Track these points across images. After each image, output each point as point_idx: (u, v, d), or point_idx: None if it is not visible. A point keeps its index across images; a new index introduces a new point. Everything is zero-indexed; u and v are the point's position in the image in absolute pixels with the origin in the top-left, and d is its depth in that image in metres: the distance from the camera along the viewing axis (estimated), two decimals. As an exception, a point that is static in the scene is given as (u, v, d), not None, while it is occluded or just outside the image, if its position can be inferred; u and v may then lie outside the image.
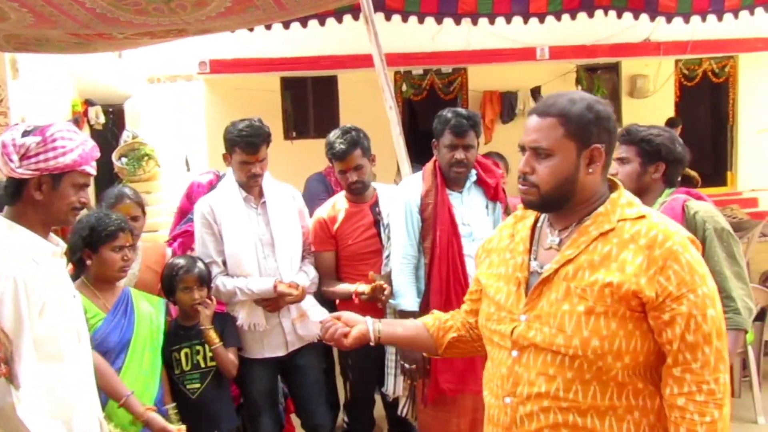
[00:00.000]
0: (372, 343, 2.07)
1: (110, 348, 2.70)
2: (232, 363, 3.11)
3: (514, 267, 1.86)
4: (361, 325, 2.06)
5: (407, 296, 3.19)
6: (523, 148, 1.81)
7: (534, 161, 1.76)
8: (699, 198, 2.83)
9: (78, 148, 2.14)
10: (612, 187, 1.82)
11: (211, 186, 3.76)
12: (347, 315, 2.12)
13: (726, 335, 1.65)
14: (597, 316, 1.68)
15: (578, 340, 1.69)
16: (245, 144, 3.18)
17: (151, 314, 2.82)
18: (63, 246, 2.28)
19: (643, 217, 1.72)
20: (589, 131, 1.73)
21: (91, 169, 2.20)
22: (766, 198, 8.99)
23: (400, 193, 3.31)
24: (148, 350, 2.75)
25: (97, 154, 2.24)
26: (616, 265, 1.68)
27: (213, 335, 3.07)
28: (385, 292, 3.16)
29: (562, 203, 1.78)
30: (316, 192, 4.27)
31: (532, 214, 1.92)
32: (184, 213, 3.83)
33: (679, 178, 2.93)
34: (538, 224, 1.90)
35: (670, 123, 8.53)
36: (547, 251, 1.83)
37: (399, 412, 3.42)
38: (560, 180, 1.74)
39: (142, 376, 2.69)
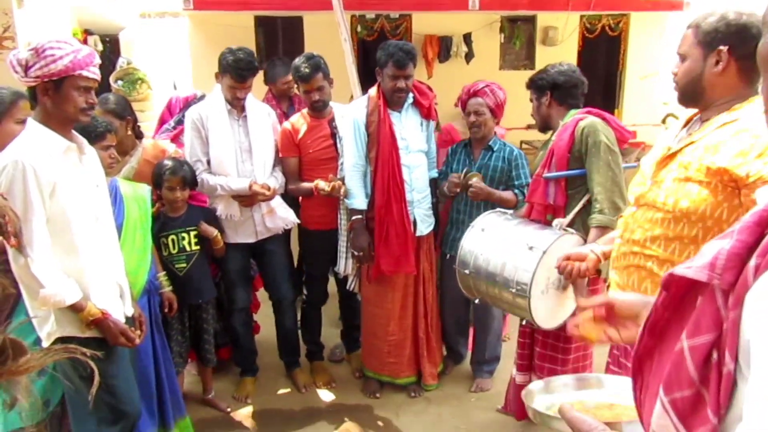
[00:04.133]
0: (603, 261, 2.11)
1: None
2: (224, 250, 3.22)
3: (662, 147, 1.88)
4: (591, 255, 2.12)
5: (358, 197, 3.22)
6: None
7: (678, 64, 1.78)
8: (599, 116, 2.68)
9: (69, 55, 2.09)
10: None
11: (187, 101, 3.67)
12: (574, 254, 2.18)
13: None
14: (693, 184, 1.70)
15: (672, 199, 1.74)
16: (236, 74, 3.09)
17: (137, 199, 2.75)
18: (83, 144, 2.27)
19: None
20: (714, 37, 1.69)
21: (89, 73, 2.15)
22: (643, 131, 9.18)
23: (349, 114, 3.25)
24: (139, 231, 2.70)
25: (95, 60, 2.18)
26: (723, 149, 1.65)
27: (220, 238, 3.18)
28: (342, 190, 3.18)
29: (695, 98, 1.77)
30: None
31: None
32: (163, 122, 3.74)
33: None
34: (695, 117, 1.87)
35: None
36: (687, 135, 1.83)
37: (347, 287, 3.49)
38: (688, 79, 1.74)
39: (136, 254, 2.65)
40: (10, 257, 2.10)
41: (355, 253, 3.23)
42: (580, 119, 2.66)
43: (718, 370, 0.72)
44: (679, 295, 0.81)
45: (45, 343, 2.17)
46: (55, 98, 2.11)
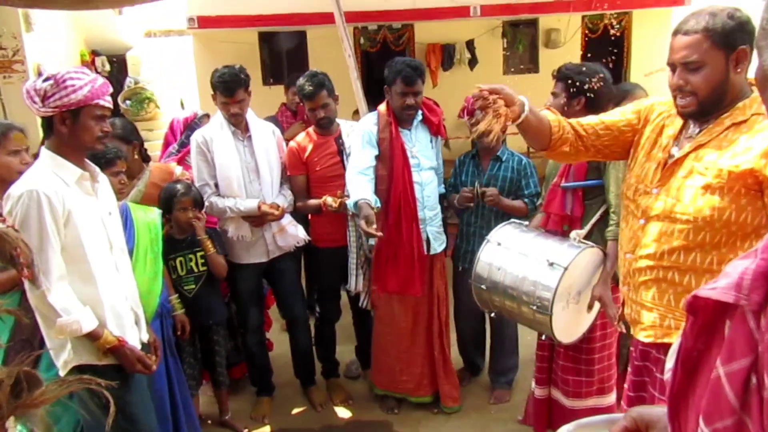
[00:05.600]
0: (517, 122, 1.81)
1: None
2: (222, 265, 3.10)
3: (659, 148, 1.80)
4: (516, 108, 1.80)
5: (364, 191, 2.90)
6: (673, 66, 1.68)
7: (687, 74, 1.65)
8: None
9: (87, 85, 2.09)
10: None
11: (187, 122, 3.68)
12: (507, 94, 1.80)
13: None
14: (713, 191, 1.63)
15: (693, 209, 1.66)
16: (223, 88, 3.09)
17: (148, 223, 2.72)
18: (96, 172, 2.27)
19: None
20: (734, 37, 1.60)
21: (105, 102, 2.15)
22: (650, 130, 9.20)
23: (360, 126, 3.20)
24: (149, 255, 2.67)
25: (109, 89, 2.18)
26: (740, 149, 1.60)
27: (209, 243, 3.05)
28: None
29: (718, 105, 1.66)
30: None
31: None
32: (168, 144, 3.77)
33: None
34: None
35: None
36: (687, 139, 1.75)
37: (360, 305, 3.43)
38: (714, 85, 1.63)
39: (147, 278, 2.62)
40: (26, 288, 2.10)
41: (364, 225, 2.80)
42: None
43: (759, 395, 0.68)
44: (708, 320, 0.77)
45: (62, 372, 2.17)
46: (73, 128, 2.11)
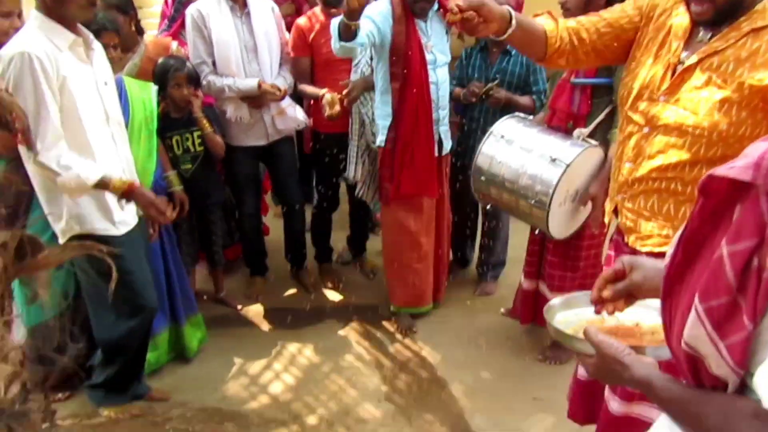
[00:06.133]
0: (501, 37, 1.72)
1: None
2: (220, 144, 3.05)
3: (667, 51, 1.68)
4: (495, 24, 1.69)
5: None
6: None
7: None
8: None
9: None
10: None
11: None
12: (487, 11, 1.64)
13: None
14: (731, 104, 1.55)
15: (707, 122, 1.59)
16: None
17: (144, 99, 2.64)
18: (90, 38, 2.17)
19: None
20: None
21: None
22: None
23: (375, 7, 2.86)
24: (144, 132, 2.62)
25: None
26: (762, 61, 1.52)
27: (205, 122, 2.99)
28: (353, 95, 3.04)
29: (735, 10, 1.56)
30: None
31: None
32: (164, 16, 3.62)
33: None
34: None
35: None
36: (698, 43, 1.64)
37: (356, 194, 3.42)
38: None
39: (141, 156, 2.58)
40: (23, 154, 2.08)
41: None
42: None
43: (758, 277, 0.70)
44: (719, 203, 0.77)
45: (61, 240, 2.20)
46: None
